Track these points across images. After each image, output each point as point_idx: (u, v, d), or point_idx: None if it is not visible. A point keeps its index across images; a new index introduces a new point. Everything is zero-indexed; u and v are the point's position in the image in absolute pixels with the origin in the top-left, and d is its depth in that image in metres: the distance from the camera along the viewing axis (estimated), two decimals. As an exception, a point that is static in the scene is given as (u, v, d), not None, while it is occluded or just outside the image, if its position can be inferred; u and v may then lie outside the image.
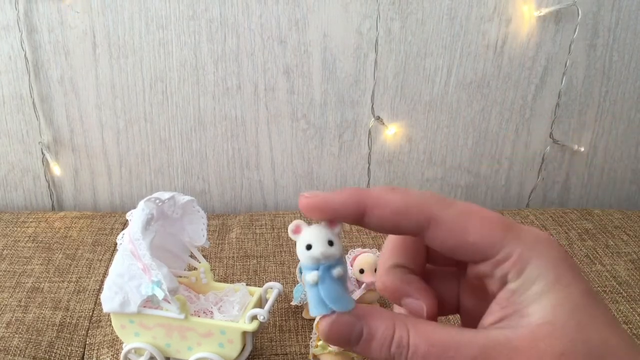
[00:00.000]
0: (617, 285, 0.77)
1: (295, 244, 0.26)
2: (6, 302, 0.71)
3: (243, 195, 1.03)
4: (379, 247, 0.82)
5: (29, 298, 0.72)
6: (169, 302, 0.56)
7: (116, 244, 0.61)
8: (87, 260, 0.81)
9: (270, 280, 0.75)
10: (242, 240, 0.86)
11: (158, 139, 0.97)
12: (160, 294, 0.54)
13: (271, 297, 0.61)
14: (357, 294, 0.68)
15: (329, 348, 0.57)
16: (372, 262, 0.68)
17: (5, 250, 0.82)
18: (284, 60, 0.92)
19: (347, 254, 0.73)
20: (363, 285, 0.68)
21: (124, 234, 0.58)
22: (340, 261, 0.25)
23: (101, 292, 0.61)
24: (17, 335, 0.66)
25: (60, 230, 0.87)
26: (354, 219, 0.25)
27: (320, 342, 0.58)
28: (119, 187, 1.00)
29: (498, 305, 0.25)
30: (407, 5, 0.90)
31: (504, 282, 0.24)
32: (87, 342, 0.67)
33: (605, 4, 0.91)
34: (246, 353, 0.59)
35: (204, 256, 0.65)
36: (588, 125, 1.01)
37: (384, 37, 0.92)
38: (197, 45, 0.91)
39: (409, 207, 0.25)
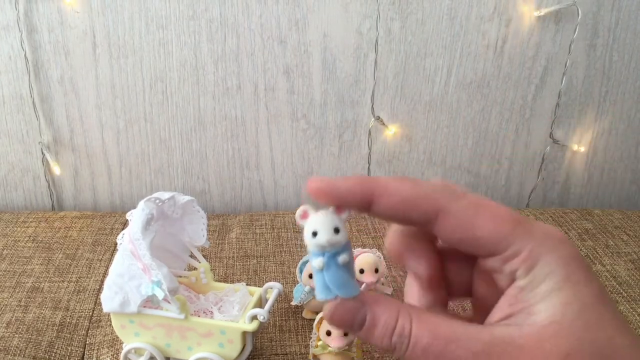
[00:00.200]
0: (617, 285, 0.77)
1: (301, 235, 0.26)
2: (6, 302, 0.71)
3: (243, 195, 1.03)
4: (379, 247, 0.82)
5: (29, 298, 0.72)
6: (169, 302, 0.56)
7: (116, 244, 0.61)
8: (87, 260, 0.81)
9: (270, 280, 0.75)
10: (242, 240, 0.86)
11: (158, 139, 0.97)
12: (160, 294, 0.54)
13: (271, 297, 0.61)
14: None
15: (329, 348, 0.57)
16: (372, 262, 0.68)
17: (5, 250, 0.82)
18: (284, 60, 0.92)
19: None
20: (363, 285, 0.68)
21: (124, 234, 0.58)
22: (346, 248, 0.25)
23: (101, 292, 0.61)
24: (17, 335, 0.66)
25: (60, 230, 0.87)
26: (361, 206, 0.25)
27: (320, 342, 0.58)
28: (119, 187, 1.00)
29: (506, 301, 0.24)
30: (407, 5, 0.90)
31: (512, 279, 0.24)
32: (87, 342, 0.67)
33: (605, 4, 0.91)
34: (246, 353, 0.59)
35: (204, 256, 0.65)
36: (588, 125, 1.01)
37: (384, 37, 0.92)
38: (197, 45, 0.91)
39: (418, 197, 0.25)
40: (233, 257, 0.82)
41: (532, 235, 0.24)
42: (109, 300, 0.58)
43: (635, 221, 0.93)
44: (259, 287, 0.63)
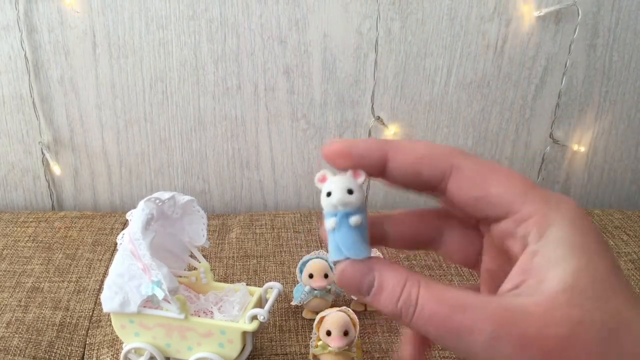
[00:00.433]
0: (617, 285, 0.77)
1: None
2: (6, 302, 0.71)
3: (243, 195, 1.03)
4: (379, 247, 0.82)
5: (29, 298, 0.72)
6: (169, 302, 0.56)
7: (116, 243, 0.61)
8: (87, 260, 0.81)
9: (270, 280, 0.75)
10: (242, 240, 0.86)
11: (158, 139, 0.97)
12: (160, 294, 0.54)
13: (271, 297, 0.61)
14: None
15: (329, 348, 0.57)
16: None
17: (5, 250, 0.82)
18: (284, 60, 0.92)
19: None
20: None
21: (124, 234, 0.58)
22: (359, 210, 0.25)
23: (101, 292, 0.61)
24: (17, 335, 0.66)
25: (60, 230, 0.87)
26: (377, 166, 0.25)
27: (320, 342, 0.58)
28: (119, 187, 1.00)
29: (517, 270, 0.24)
30: (407, 5, 0.90)
31: (524, 244, 0.24)
32: (87, 342, 0.67)
33: (605, 4, 0.91)
34: (246, 353, 0.59)
35: (204, 256, 0.65)
36: (588, 125, 1.01)
37: (384, 37, 0.92)
38: (197, 45, 0.91)
39: (432, 154, 0.25)
40: (233, 257, 0.82)
41: (546, 199, 0.23)
42: (109, 300, 0.58)
43: (635, 221, 0.93)
44: (259, 287, 0.63)
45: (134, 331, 0.60)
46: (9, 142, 0.96)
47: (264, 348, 0.65)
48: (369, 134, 0.98)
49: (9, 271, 0.77)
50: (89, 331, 0.68)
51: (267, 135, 0.98)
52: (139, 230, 0.56)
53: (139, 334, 0.59)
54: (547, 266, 0.22)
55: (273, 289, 0.62)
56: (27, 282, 0.75)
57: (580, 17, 0.91)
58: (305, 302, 0.68)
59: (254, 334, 0.59)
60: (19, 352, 0.64)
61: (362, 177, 0.25)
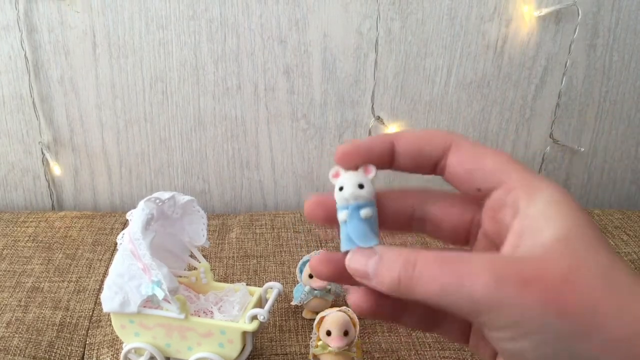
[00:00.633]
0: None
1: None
2: (6, 302, 0.71)
3: (243, 195, 1.03)
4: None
5: (29, 298, 0.72)
6: (169, 302, 0.56)
7: (116, 243, 0.61)
8: (87, 260, 0.81)
9: (270, 280, 0.75)
10: (242, 240, 0.86)
11: (158, 139, 0.97)
12: (160, 294, 0.54)
13: (271, 297, 0.61)
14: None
15: (329, 348, 0.57)
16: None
17: (5, 250, 0.82)
18: (284, 60, 0.92)
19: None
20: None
21: (124, 234, 0.58)
22: (370, 203, 0.27)
23: (101, 292, 0.61)
24: (17, 335, 0.66)
25: (60, 230, 0.87)
26: (384, 155, 0.27)
27: (320, 342, 0.58)
28: (119, 187, 1.00)
29: (512, 234, 0.25)
30: (407, 5, 0.90)
31: (515, 210, 0.25)
32: (87, 342, 0.67)
33: (605, 4, 0.91)
34: (246, 353, 0.59)
35: (204, 256, 0.65)
36: (588, 125, 1.01)
37: (384, 37, 0.92)
38: (197, 45, 0.91)
39: (433, 133, 0.28)
40: (233, 257, 0.82)
41: (531, 172, 0.26)
42: (109, 300, 0.58)
43: (635, 221, 0.93)
44: (259, 287, 0.63)
45: (134, 331, 0.60)
46: (9, 142, 0.96)
47: (264, 348, 0.65)
48: (369, 134, 0.98)
49: (9, 271, 0.77)
50: (89, 331, 0.68)
51: (267, 135, 0.98)
52: (139, 230, 0.56)
53: (139, 334, 0.59)
54: (539, 225, 0.24)
55: (273, 289, 0.62)
56: (27, 282, 0.75)
57: (580, 17, 0.91)
58: (305, 302, 0.68)
59: (254, 334, 0.59)
60: (19, 352, 0.64)
61: (372, 173, 0.27)
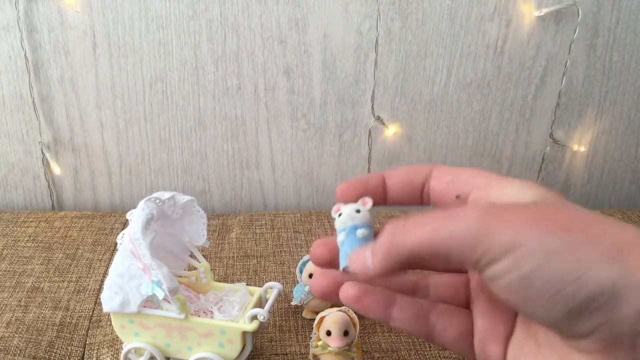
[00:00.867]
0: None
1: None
2: (6, 302, 0.71)
3: (243, 195, 1.03)
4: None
5: (29, 298, 0.72)
6: (169, 302, 0.56)
7: (116, 243, 0.61)
8: (87, 260, 0.81)
9: (270, 280, 0.75)
10: (242, 240, 0.86)
11: (158, 139, 0.97)
12: (160, 294, 0.54)
13: (271, 297, 0.61)
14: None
15: (329, 348, 0.57)
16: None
17: (5, 250, 0.82)
18: (284, 60, 0.92)
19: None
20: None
21: (124, 234, 0.58)
22: (366, 226, 0.29)
23: (101, 292, 0.61)
24: (17, 335, 0.66)
25: (60, 230, 0.87)
26: (377, 189, 0.30)
27: (320, 342, 0.58)
28: (119, 187, 1.00)
29: None
30: (407, 5, 0.90)
31: (496, 198, 0.27)
32: (87, 342, 0.67)
33: (605, 4, 0.91)
34: (246, 353, 0.59)
35: (204, 256, 0.65)
36: (588, 125, 1.01)
37: (384, 37, 0.92)
38: (197, 45, 0.91)
39: (417, 166, 0.31)
40: (233, 257, 0.82)
41: (502, 175, 0.29)
42: (109, 300, 0.58)
43: (635, 221, 0.93)
44: (259, 287, 0.63)
45: (134, 331, 0.60)
46: (9, 142, 0.96)
47: (264, 348, 0.65)
48: (369, 134, 0.98)
49: (9, 271, 0.77)
50: (89, 331, 0.68)
51: (267, 135, 0.98)
52: (139, 230, 0.56)
53: (139, 333, 0.59)
54: (518, 195, 0.26)
55: (273, 289, 0.62)
56: (27, 282, 0.75)
57: (580, 17, 0.91)
58: (305, 302, 0.68)
59: (254, 334, 0.59)
60: (19, 352, 0.64)
61: (369, 204, 0.30)
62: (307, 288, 0.67)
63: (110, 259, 0.81)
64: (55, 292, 0.74)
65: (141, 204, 0.57)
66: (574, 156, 1.03)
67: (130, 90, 0.93)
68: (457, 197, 0.29)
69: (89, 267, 0.79)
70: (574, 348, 0.24)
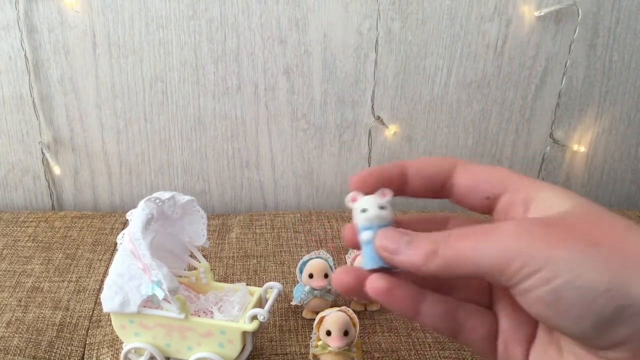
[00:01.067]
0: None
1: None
2: (6, 302, 0.71)
3: (243, 195, 1.03)
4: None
5: (29, 298, 0.72)
6: (169, 302, 0.56)
7: (116, 243, 0.61)
8: (87, 260, 0.81)
9: (270, 280, 0.75)
10: (242, 240, 0.86)
11: (158, 139, 0.97)
12: (160, 294, 0.54)
13: (271, 297, 0.61)
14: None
15: (329, 348, 0.57)
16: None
17: (5, 250, 0.82)
18: (284, 60, 0.92)
19: (347, 253, 0.73)
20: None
21: (124, 234, 0.58)
22: (390, 223, 0.29)
23: (101, 292, 0.61)
24: (17, 335, 0.66)
25: (60, 230, 0.87)
26: (398, 178, 0.30)
27: (320, 342, 0.58)
28: (119, 187, 1.00)
29: (530, 215, 0.28)
30: (407, 5, 0.90)
31: (526, 205, 0.28)
32: (87, 342, 0.67)
33: (605, 4, 0.91)
34: (246, 353, 0.59)
35: (204, 256, 0.65)
36: (588, 125, 1.01)
37: (384, 37, 0.92)
38: (197, 45, 0.91)
39: (439, 158, 0.31)
40: (233, 257, 0.82)
41: (531, 178, 0.29)
42: (109, 300, 0.58)
43: (635, 221, 0.93)
44: (259, 287, 0.63)
45: (134, 331, 0.60)
46: (9, 142, 0.96)
47: (264, 348, 0.65)
48: (369, 134, 0.98)
49: (9, 271, 0.77)
50: (89, 331, 0.68)
51: (267, 135, 0.98)
52: (139, 230, 0.56)
53: (139, 333, 0.59)
54: (551, 203, 0.27)
55: (273, 288, 0.62)
56: (27, 282, 0.75)
57: (580, 17, 0.91)
58: (305, 302, 0.68)
59: (254, 334, 0.59)
60: (19, 352, 0.64)
61: (389, 196, 0.29)
62: (307, 288, 0.67)
63: (110, 259, 0.81)
64: (55, 292, 0.74)
65: (141, 204, 0.57)
66: (574, 156, 1.03)
67: (130, 90, 0.93)
68: (487, 198, 0.29)
69: (89, 267, 0.79)
70: (601, 358, 0.24)
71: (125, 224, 0.89)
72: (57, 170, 0.97)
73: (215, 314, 0.61)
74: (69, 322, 0.69)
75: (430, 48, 0.93)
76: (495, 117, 0.99)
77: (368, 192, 0.29)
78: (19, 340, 0.65)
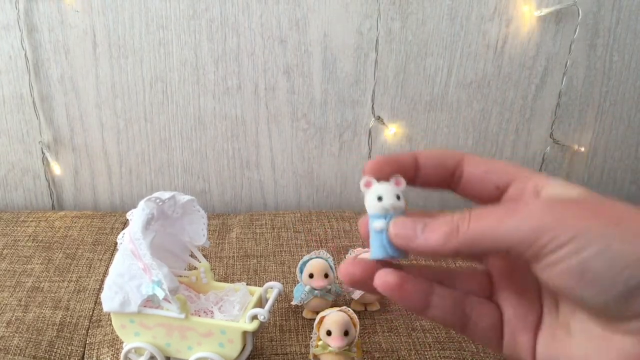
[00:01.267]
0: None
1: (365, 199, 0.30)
2: (6, 302, 0.71)
3: (243, 194, 1.03)
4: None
5: (29, 297, 0.72)
6: (169, 302, 0.56)
7: (116, 243, 0.61)
8: (87, 259, 0.81)
9: (270, 280, 0.75)
10: (242, 239, 0.86)
11: (158, 139, 0.97)
12: (160, 294, 0.54)
13: (271, 296, 0.61)
14: (357, 294, 0.68)
15: (329, 348, 0.57)
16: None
17: (5, 250, 0.82)
18: (284, 60, 0.92)
19: (347, 253, 0.73)
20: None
21: (124, 234, 0.58)
22: (403, 213, 0.29)
23: (101, 292, 0.61)
24: (17, 335, 0.66)
25: (61, 230, 0.87)
26: (410, 167, 0.31)
27: (320, 342, 0.58)
28: (119, 186, 1.00)
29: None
30: (407, 5, 0.90)
31: (537, 190, 0.29)
32: (87, 342, 0.67)
33: (605, 4, 0.91)
34: (246, 353, 0.59)
35: (204, 256, 0.65)
36: (588, 125, 1.01)
37: (385, 37, 0.92)
38: (197, 45, 0.91)
39: (448, 150, 0.32)
40: (233, 256, 0.82)
41: (532, 170, 0.31)
42: (109, 300, 0.58)
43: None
44: (259, 286, 0.63)
45: (134, 331, 0.60)
46: (9, 142, 0.96)
47: (264, 348, 0.65)
48: (369, 134, 0.98)
49: (9, 271, 0.77)
50: (89, 331, 0.68)
51: (267, 135, 0.98)
52: (139, 230, 0.56)
53: (139, 333, 0.59)
54: (563, 192, 0.28)
55: (273, 288, 0.62)
56: (27, 282, 0.75)
57: (580, 17, 0.91)
58: (305, 302, 0.68)
59: (254, 333, 0.59)
60: (19, 351, 0.64)
61: (403, 185, 0.29)
62: (307, 288, 0.67)
63: (111, 259, 0.81)
64: (56, 292, 0.74)
65: (141, 203, 0.57)
66: (574, 156, 1.03)
67: (131, 89, 0.93)
68: (497, 188, 0.30)
69: (89, 267, 0.79)
70: (619, 331, 0.25)
71: (125, 223, 0.89)
72: (57, 170, 0.97)
73: (216, 314, 0.61)
74: (69, 322, 0.69)
75: (430, 48, 0.93)
76: (495, 117, 0.99)
77: (382, 178, 0.29)
78: (19, 340, 0.65)
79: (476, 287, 0.32)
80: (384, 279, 0.28)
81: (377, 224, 0.28)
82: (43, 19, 0.88)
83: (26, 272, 0.77)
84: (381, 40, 0.92)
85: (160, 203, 0.58)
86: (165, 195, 0.59)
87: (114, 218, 0.91)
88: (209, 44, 0.91)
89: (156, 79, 0.93)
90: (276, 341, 0.66)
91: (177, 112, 0.95)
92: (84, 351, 0.66)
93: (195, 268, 0.65)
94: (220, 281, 0.68)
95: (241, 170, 1.00)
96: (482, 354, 0.64)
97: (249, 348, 0.59)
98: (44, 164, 0.97)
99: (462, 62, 0.94)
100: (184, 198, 0.61)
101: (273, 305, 0.60)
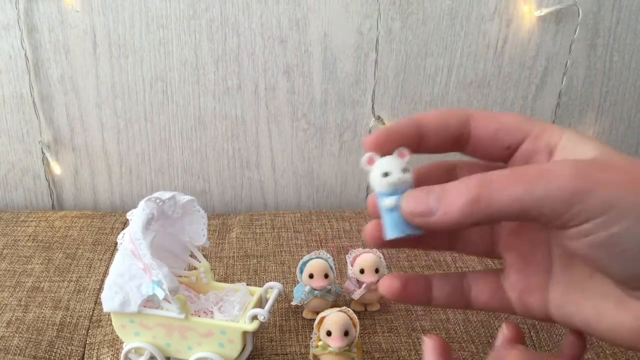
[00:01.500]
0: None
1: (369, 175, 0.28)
2: (6, 302, 0.71)
3: (243, 194, 1.03)
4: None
5: (29, 297, 0.72)
6: (169, 302, 0.56)
7: (116, 243, 0.61)
8: (87, 259, 0.81)
9: (270, 280, 0.75)
10: (242, 240, 0.86)
11: (158, 139, 0.97)
12: (160, 294, 0.54)
13: (271, 297, 0.61)
14: (357, 294, 0.68)
15: (329, 348, 0.57)
16: (372, 262, 0.68)
17: (5, 250, 0.82)
18: (285, 60, 0.92)
19: (347, 253, 0.73)
20: (364, 285, 0.68)
21: (124, 234, 0.58)
22: (412, 186, 0.27)
23: (101, 292, 0.61)
24: (17, 335, 0.66)
25: (61, 230, 0.87)
26: (412, 135, 0.29)
27: (320, 342, 0.58)
28: (119, 186, 1.00)
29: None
30: (407, 5, 0.90)
31: (550, 150, 0.28)
32: (88, 342, 0.67)
33: (605, 4, 0.91)
34: (246, 353, 0.59)
35: (204, 256, 0.65)
36: (588, 125, 1.01)
37: (385, 37, 0.92)
38: (197, 45, 0.91)
39: (452, 109, 0.30)
40: (233, 256, 0.82)
41: (546, 122, 0.29)
42: (109, 300, 0.58)
43: None
44: (259, 287, 0.63)
45: (134, 331, 0.60)
46: (9, 142, 0.96)
47: (264, 348, 0.65)
48: (370, 134, 0.98)
49: (9, 271, 0.77)
50: (89, 331, 0.68)
51: (267, 135, 0.98)
52: (139, 230, 0.56)
53: (139, 333, 0.60)
54: (579, 149, 0.26)
55: (273, 288, 0.62)
56: (27, 282, 0.75)
57: (580, 17, 0.91)
58: (305, 302, 0.68)
59: (254, 333, 0.59)
60: (19, 351, 0.64)
61: (407, 156, 0.27)
62: (307, 288, 0.67)
63: (111, 259, 0.81)
64: (55, 292, 0.74)
65: (141, 203, 0.57)
66: (574, 156, 1.03)
67: (131, 89, 0.93)
68: (508, 148, 0.29)
69: (89, 267, 0.79)
70: (633, 297, 0.25)
71: (125, 223, 0.89)
72: (57, 169, 0.97)
73: (216, 314, 0.61)
74: (69, 322, 0.69)
75: (430, 48, 0.93)
76: (495, 117, 0.99)
77: (384, 153, 0.28)
78: (19, 340, 0.65)
79: (476, 245, 0.32)
80: (388, 286, 0.29)
81: (387, 202, 0.26)
82: (43, 19, 0.88)
83: (26, 272, 0.77)
84: (381, 40, 0.92)
85: (161, 203, 0.58)
86: (166, 195, 0.59)
87: (114, 218, 0.91)
88: (209, 44, 0.91)
89: (156, 78, 0.93)
90: (276, 341, 0.66)
91: (177, 112, 0.95)
92: (84, 351, 0.66)
93: (195, 268, 0.65)
94: (220, 281, 0.68)
95: (241, 170, 1.00)
96: (482, 354, 0.64)
97: (249, 348, 0.59)
98: (44, 163, 0.97)
99: (462, 62, 0.94)
100: (184, 198, 0.61)
101: (273, 306, 0.60)
